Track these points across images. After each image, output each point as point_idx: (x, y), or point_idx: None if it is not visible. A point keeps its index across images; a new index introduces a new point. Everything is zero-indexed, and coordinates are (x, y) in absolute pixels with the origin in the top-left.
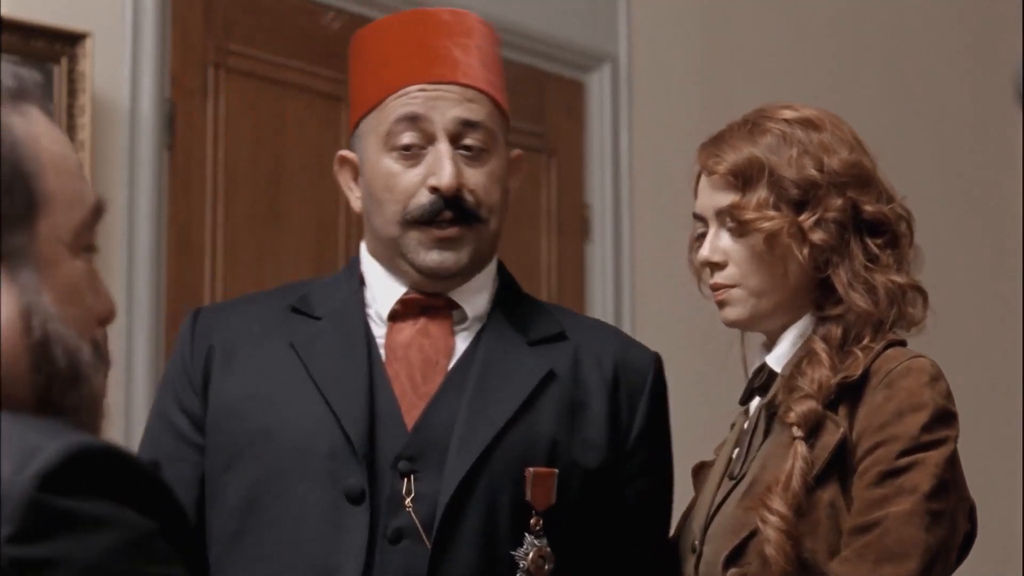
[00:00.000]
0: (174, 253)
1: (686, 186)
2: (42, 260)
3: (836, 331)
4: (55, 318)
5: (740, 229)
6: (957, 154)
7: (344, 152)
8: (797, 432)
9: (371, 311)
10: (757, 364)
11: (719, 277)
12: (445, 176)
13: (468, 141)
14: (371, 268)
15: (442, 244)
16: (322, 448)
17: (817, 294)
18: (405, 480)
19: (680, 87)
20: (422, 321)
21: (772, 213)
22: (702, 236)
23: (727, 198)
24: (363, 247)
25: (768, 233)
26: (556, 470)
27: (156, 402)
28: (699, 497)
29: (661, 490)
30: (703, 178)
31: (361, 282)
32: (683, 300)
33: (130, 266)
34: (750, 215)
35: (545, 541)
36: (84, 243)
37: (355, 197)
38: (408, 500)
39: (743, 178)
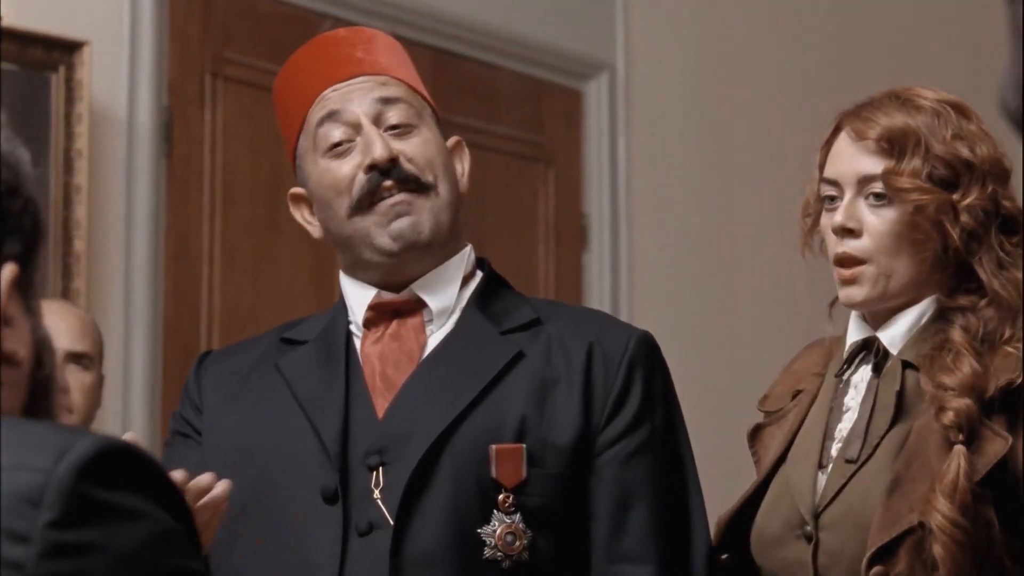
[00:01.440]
0: (172, 261)
1: (684, 194)
2: (38, 288)
3: (976, 323)
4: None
5: (890, 198)
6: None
7: (294, 190)
8: (957, 436)
9: (352, 326)
10: (856, 336)
11: (850, 247)
12: (376, 149)
13: (393, 120)
14: (346, 284)
15: (396, 213)
16: (302, 456)
17: (950, 282)
18: (374, 473)
19: (677, 96)
20: (394, 324)
21: (927, 186)
22: (833, 202)
23: (877, 164)
24: (341, 271)
25: (919, 206)
26: (523, 445)
27: (168, 433)
28: (788, 473)
29: (655, 451)
30: (845, 142)
31: (345, 305)
32: (680, 307)
33: (128, 274)
34: (906, 183)
35: (518, 517)
36: None
37: (314, 227)
38: (377, 492)
39: (898, 146)
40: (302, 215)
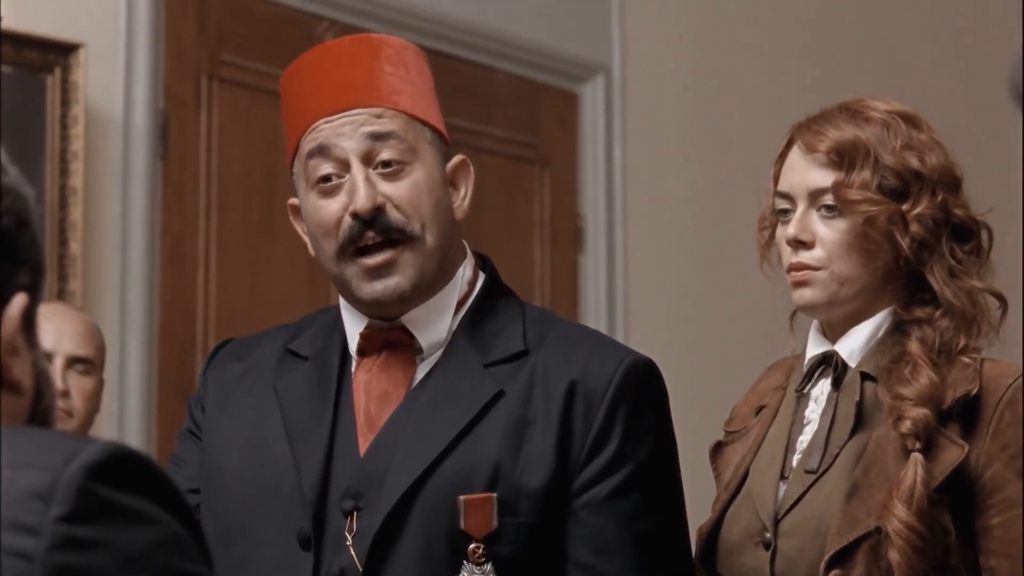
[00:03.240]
0: (167, 263)
1: (680, 196)
2: (37, 324)
3: (932, 335)
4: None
5: (840, 209)
6: (956, 156)
7: (292, 200)
8: (915, 444)
9: (351, 347)
10: (815, 350)
11: (804, 257)
12: (360, 199)
13: (384, 156)
14: (343, 304)
15: (377, 273)
16: (283, 491)
17: (904, 292)
18: (348, 519)
19: (673, 98)
20: (384, 355)
21: (876, 197)
22: (785, 215)
23: (827, 177)
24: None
25: (869, 217)
26: (493, 495)
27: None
28: (749, 484)
29: (636, 491)
30: (796, 156)
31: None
32: (676, 310)
33: (123, 276)
34: (855, 195)
35: (489, 567)
36: None
37: (309, 242)
38: (351, 538)
39: (848, 158)
40: (301, 226)
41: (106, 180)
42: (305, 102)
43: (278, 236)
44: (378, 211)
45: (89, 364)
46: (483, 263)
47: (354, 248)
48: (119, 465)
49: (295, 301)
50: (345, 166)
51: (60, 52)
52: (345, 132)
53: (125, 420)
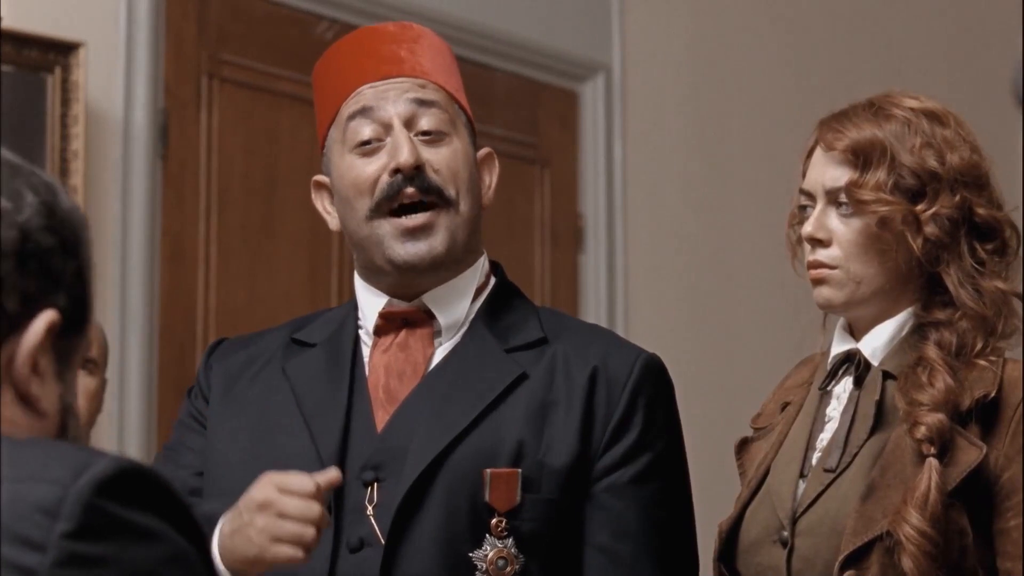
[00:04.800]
0: (167, 263)
1: (679, 196)
2: (76, 368)
3: (950, 337)
4: (80, 424)
5: (854, 209)
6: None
7: (317, 177)
8: (930, 450)
9: (363, 331)
10: (839, 348)
11: (820, 255)
12: (403, 154)
13: (424, 125)
14: (360, 287)
15: (413, 234)
16: (300, 467)
17: (923, 293)
18: (369, 489)
19: (673, 97)
20: (403, 334)
21: (889, 197)
22: (804, 211)
23: (843, 175)
24: (355, 271)
25: (882, 217)
26: (518, 470)
27: (181, 411)
28: (769, 481)
29: (653, 481)
30: (818, 153)
31: (357, 306)
32: (676, 310)
33: (123, 276)
34: (867, 195)
35: (510, 542)
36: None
37: (332, 219)
38: (371, 508)
39: (863, 157)
40: (322, 204)
41: (106, 179)
42: (347, 73)
43: (278, 236)
44: (418, 170)
45: (92, 364)
46: (494, 267)
47: (389, 207)
48: (128, 481)
49: (295, 301)
50: (387, 129)
51: (60, 52)
52: (389, 97)
53: (125, 420)
